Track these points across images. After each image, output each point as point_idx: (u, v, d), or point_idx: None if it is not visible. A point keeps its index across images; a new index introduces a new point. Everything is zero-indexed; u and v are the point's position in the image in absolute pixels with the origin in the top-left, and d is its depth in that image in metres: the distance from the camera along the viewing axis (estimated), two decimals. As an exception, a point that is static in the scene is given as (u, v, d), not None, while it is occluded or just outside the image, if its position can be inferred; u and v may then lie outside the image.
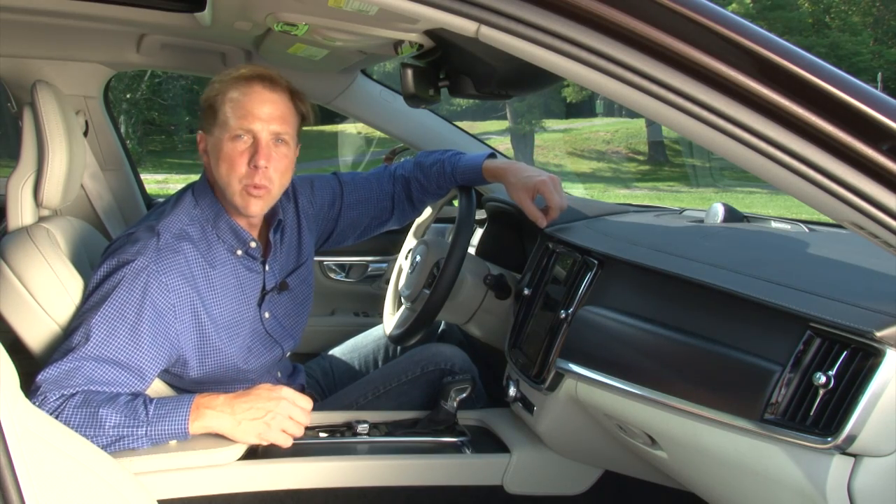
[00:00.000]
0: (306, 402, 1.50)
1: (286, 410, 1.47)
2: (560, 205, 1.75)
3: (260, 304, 1.68)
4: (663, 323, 1.29)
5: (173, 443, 1.44)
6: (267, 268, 1.69)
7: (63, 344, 1.46)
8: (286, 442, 1.48)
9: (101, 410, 1.39)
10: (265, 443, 1.48)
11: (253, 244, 1.64)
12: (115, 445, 1.39)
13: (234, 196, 1.56)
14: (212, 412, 1.44)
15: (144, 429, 1.40)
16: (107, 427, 1.38)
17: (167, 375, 1.60)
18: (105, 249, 1.59)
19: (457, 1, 0.90)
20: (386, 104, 2.48)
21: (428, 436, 1.66)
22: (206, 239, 1.60)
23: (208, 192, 1.62)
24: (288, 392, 1.49)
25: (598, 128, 18.50)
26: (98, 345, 1.43)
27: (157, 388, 1.57)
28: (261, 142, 1.54)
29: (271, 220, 1.70)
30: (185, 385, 1.62)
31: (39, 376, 1.41)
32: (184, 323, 1.53)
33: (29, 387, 1.40)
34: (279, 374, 1.78)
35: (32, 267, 1.54)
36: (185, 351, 1.55)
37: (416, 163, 1.97)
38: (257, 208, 1.58)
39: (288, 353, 1.78)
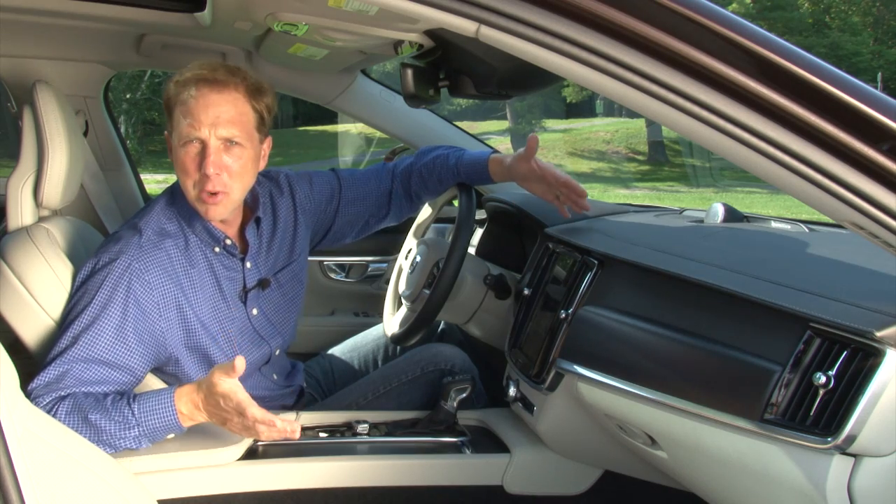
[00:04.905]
0: (253, 411, 1.35)
1: (244, 421, 1.37)
2: (582, 192, 1.74)
3: (245, 301, 1.67)
4: (663, 323, 1.29)
5: (172, 436, 1.44)
6: (248, 265, 1.67)
7: (53, 348, 1.46)
8: (271, 433, 1.36)
9: (90, 416, 1.39)
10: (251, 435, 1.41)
11: (228, 241, 1.62)
12: (110, 450, 1.39)
13: (192, 202, 1.54)
14: (199, 413, 1.42)
15: (136, 430, 1.40)
16: (99, 432, 1.39)
17: (164, 376, 1.60)
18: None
19: (457, 1, 0.90)
20: (386, 104, 2.47)
21: (428, 436, 1.66)
22: (184, 235, 1.59)
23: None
24: (233, 404, 1.35)
25: (598, 128, 18.48)
26: (85, 346, 1.44)
27: (156, 385, 1.56)
28: (209, 148, 1.49)
29: (251, 217, 1.68)
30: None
31: (32, 384, 1.41)
32: (169, 321, 1.53)
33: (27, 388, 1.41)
34: (275, 377, 1.77)
35: (32, 267, 1.54)
36: (175, 349, 1.55)
37: (418, 154, 1.95)
38: (215, 213, 1.55)
39: (277, 352, 1.76)
